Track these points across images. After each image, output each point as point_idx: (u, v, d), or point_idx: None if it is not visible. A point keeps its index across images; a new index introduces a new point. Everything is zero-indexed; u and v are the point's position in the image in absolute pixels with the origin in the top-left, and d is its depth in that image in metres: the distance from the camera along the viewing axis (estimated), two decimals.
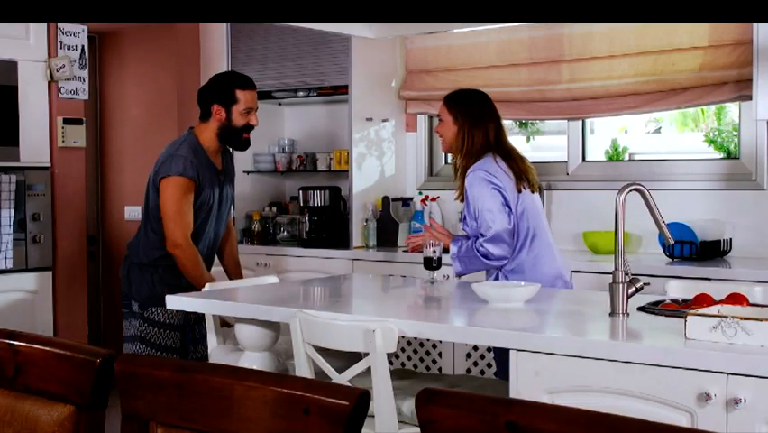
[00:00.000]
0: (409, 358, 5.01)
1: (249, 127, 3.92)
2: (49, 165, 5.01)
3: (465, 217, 3.68)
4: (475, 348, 4.73)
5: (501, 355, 3.65)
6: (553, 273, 3.63)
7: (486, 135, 3.67)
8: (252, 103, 3.91)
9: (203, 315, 3.64)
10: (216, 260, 4.13)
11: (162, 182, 3.76)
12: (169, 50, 6.01)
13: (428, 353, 4.94)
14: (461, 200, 3.68)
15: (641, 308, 2.86)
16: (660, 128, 5.57)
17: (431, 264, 3.62)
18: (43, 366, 1.73)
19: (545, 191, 4.90)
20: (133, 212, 6.11)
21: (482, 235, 3.55)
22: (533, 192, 3.68)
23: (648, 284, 2.92)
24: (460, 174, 3.69)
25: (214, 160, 3.93)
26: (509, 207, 3.57)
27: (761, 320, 2.29)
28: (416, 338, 4.74)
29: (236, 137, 3.93)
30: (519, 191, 3.61)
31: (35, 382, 1.74)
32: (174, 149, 3.82)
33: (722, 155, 5.03)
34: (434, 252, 3.60)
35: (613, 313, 2.77)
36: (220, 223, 4.00)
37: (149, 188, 3.89)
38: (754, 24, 4.13)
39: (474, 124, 3.68)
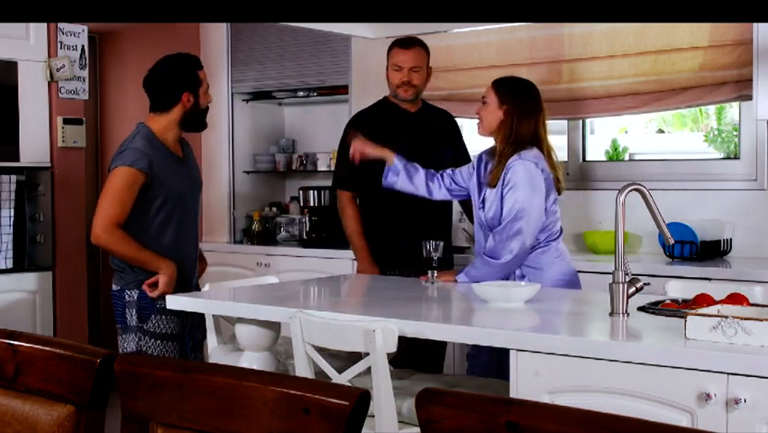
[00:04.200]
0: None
1: (208, 107, 3.84)
2: (49, 165, 5.01)
3: (484, 202, 3.63)
4: None
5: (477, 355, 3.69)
6: (571, 271, 3.66)
7: (535, 128, 3.60)
8: (208, 79, 3.85)
9: (199, 322, 3.63)
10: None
11: (110, 173, 3.64)
12: (168, 50, 5.98)
13: None
14: (494, 185, 3.59)
15: (641, 309, 2.86)
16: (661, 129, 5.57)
17: (431, 264, 3.62)
18: (43, 366, 1.73)
19: None
20: None
21: (500, 224, 3.52)
22: (560, 194, 3.68)
23: (648, 284, 2.92)
24: (499, 160, 3.58)
25: (174, 149, 3.79)
26: (545, 206, 3.55)
27: (761, 320, 2.29)
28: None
29: (201, 119, 3.82)
30: (558, 191, 3.63)
31: (35, 382, 1.74)
32: (128, 143, 3.69)
33: (722, 155, 5.03)
34: (434, 251, 3.60)
35: (613, 313, 2.77)
36: (196, 214, 3.90)
37: None
38: (754, 24, 4.12)
39: (524, 113, 3.60)
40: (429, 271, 3.64)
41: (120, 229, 3.61)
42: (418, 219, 4.18)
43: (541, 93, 3.72)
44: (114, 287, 3.76)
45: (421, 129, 4.29)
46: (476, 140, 4.31)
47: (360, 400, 1.37)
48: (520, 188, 3.50)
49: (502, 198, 3.54)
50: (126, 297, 3.70)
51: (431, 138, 4.28)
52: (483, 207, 3.65)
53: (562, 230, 3.69)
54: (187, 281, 3.79)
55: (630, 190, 2.83)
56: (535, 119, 3.61)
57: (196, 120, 3.80)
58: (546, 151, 3.63)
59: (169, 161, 3.73)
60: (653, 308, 2.85)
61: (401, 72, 4.21)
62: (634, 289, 2.80)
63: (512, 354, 2.57)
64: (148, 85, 3.78)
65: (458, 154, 4.35)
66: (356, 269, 4.40)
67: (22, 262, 4.88)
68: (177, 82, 3.73)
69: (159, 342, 3.68)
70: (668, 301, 2.97)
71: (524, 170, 3.51)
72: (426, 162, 4.02)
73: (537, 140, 3.61)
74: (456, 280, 3.61)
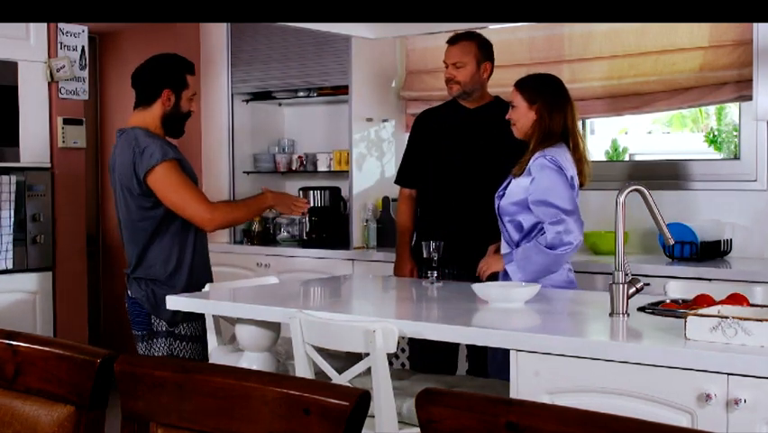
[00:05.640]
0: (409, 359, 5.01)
1: (190, 114, 3.79)
2: (49, 165, 5.02)
3: (505, 190, 3.58)
4: None
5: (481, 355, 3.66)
6: (566, 280, 3.58)
7: (564, 120, 3.55)
8: (197, 88, 3.83)
9: None
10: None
11: (150, 179, 3.54)
12: (168, 50, 5.97)
13: None
14: (519, 174, 3.54)
15: (641, 309, 2.86)
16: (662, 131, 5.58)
17: (430, 264, 3.62)
18: (43, 367, 1.73)
19: None
20: None
21: (552, 224, 3.43)
22: (582, 186, 3.61)
23: (648, 285, 2.92)
24: (532, 151, 3.53)
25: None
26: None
27: (761, 321, 2.29)
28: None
29: (180, 124, 3.77)
30: (582, 185, 3.59)
31: (35, 383, 1.74)
32: (133, 145, 3.60)
33: (722, 155, 5.03)
34: (434, 252, 3.60)
35: (613, 313, 2.77)
36: None
37: (125, 199, 3.65)
38: (755, 24, 4.13)
39: (554, 107, 3.55)
40: (429, 272, 3.64)
41: (216, 203, 3.68)
42: (469, 220, 4.12)
43: None
44: (132, 294, 3.71)
45: (475, 127, 4.20)
46: None
47: (360, 400, 1.37)
48: (552, 188, 3.44)
49: (534, 198, 3.49)
50: (150, 304, 3.66)
51: (486, 135, 4.13)
52: (503, 196, 3.61)
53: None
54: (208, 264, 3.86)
55: (630, 191, 2.83)
56: (565, 111, 3.56)
57: (174, 122, 3.74)
58: (574, 143, 3.57)
59: (176, 148, 3.72)
60: (653, 309, 2.85)
61: (447, 69, 4.19)
62: (634, 289, 2.80)
63: (512, 354, 2.57)
64: (135, 78, 3.79)
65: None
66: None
67: (23, 263, 4.88)
68: (160, 77, 3.72)
69: (190, 344, 3.67)
70: (668, 302, 2.97)
71: (548, 168, 3.46)
72: (477, 160, 4.01)
73: (567, 132, 3.56)
74: (505, 270, 3.53)
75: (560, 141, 3.55)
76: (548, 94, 3.58)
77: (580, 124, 4.07)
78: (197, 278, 3.71)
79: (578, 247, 3.49)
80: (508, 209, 3.56)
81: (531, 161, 3.51)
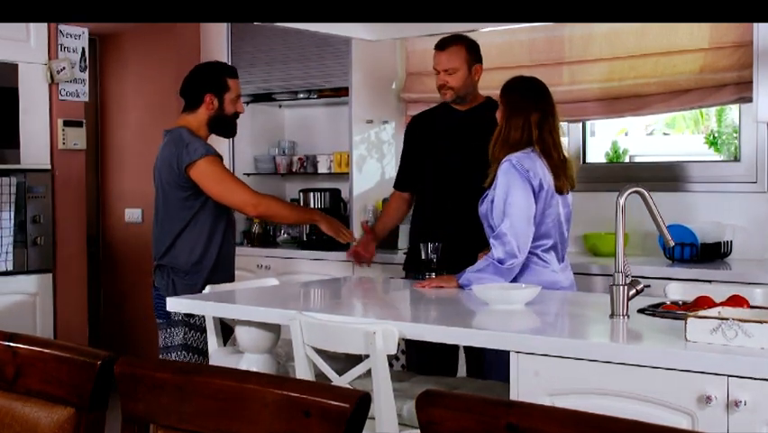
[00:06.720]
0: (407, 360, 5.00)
1: (237, 114, 4.01)
2: (49, 167, 5.02)
3: (483, 201, 3.57)
4: None
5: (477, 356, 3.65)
6: (550, 282, 3.49)
7: (524, 128, 3.47)
8: (239, 90, 4.02)
9: None
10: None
11: (193, 171, 3.76)
12: (169, 51, 6.01)
13: None
14: (488, 186, 3.52)
15: (641, 311, 2.86)
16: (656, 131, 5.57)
17: (429, 266, 3.62)
18: (43, 368, 1.73)
19: None
20: (133, 214, 6.11)
21: (495, 237, 3.40)
22: (565, 193, 3.53)
23: (648, 286, 2.92)
24: (493, 161, 3.50)
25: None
26: (536, 208, 3.42)
27: (761, 322, 2.29)
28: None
29: (229, 125, 4.00)
30: (560, 192, 3.48)
31: (35, 384, 1.74)
32: (177, 141, 3.81)
33: (722, 157, 5.03)
34: (432, 253, 3.60)
35: (613, 315, 2.76)
36: None
37: (164, 191, 3.86)
38: (755, 26, 4.12)
39: (512, 113, 3.49)
40: (427, 274, 3.64)
41: (263, 194, 3.93)
42: (466, 221, 4.10)
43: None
44: (156, 283, 3.90)
45: (470, 128, 4.17)
46: None
47: (360, 402, 1.37)
48: (508, 190, 3.40)
49: (494, 200, 3.48)
50: (170, 293, 3.75)
51: (480, 137, 3.98)
52: (482, 204, 3.59)
53: (549, 236, 3.52)
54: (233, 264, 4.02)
55: (630, 193, 2.83)
56: (525, 118, 3.47)
57: (222, 124, 3.97)
58: (544, 150, 3.47)
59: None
60: (654, 311, 2.85)
61: (439, 75, 4.16)
62: (634, 291, 2.80)
63: (512, 355, 2.57)
64: (181, 88, 3.98)
65: None
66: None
67: (23, 264, 4.88)
68: (201, 83, 3.92)
69: (205, 335, 3.72)
70: (668, 303, 2.97)
71: (510, 171, 3.40)
72: (474, 161, 4.00)
73: (532, 141, 3.47)
74: (462, 287, 3.46)
75: (526, 147, 3.46)
76: (511, 98, 3.53)
77: (564, 126, 4.06)
78: (220, 275, 3.84)
79: (523, 259, 3.42)
80: (484, 214, 3.55)
81: (499, 167, 3.45)
